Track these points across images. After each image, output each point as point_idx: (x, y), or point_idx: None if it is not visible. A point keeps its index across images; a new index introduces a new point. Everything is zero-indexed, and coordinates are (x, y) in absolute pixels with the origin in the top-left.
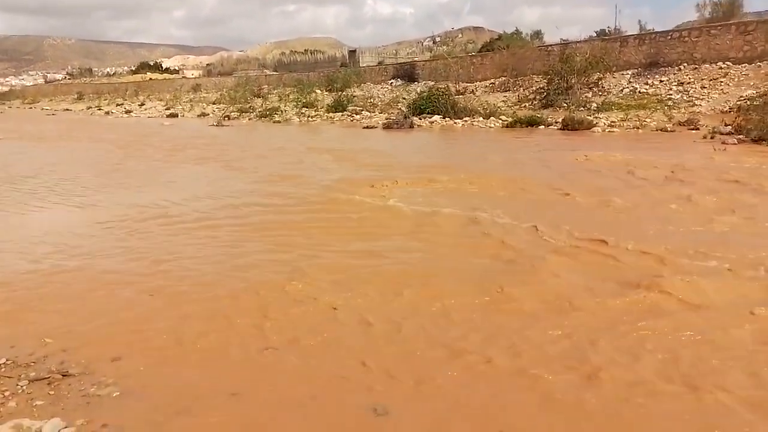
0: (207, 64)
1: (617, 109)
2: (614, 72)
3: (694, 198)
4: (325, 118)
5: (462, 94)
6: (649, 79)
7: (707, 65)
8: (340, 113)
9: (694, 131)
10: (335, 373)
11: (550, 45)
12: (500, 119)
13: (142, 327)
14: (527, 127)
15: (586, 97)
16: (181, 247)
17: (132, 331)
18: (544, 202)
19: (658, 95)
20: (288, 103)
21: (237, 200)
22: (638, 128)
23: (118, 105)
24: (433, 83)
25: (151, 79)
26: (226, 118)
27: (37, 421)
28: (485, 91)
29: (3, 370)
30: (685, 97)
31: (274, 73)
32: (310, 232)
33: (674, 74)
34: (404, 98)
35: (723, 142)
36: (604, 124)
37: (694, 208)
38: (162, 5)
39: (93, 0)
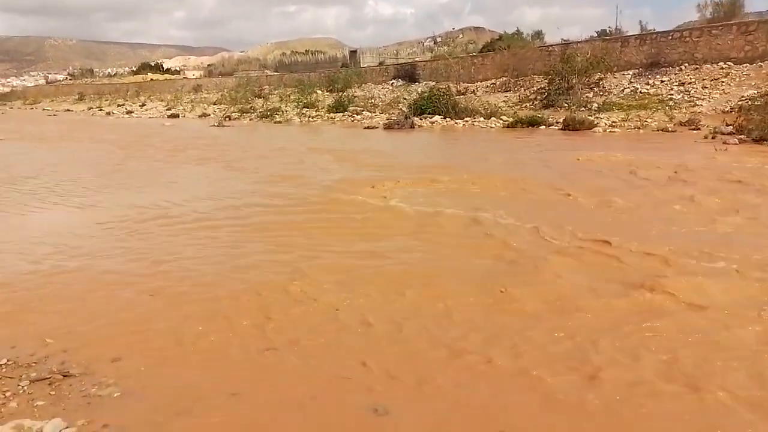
0: (208, 65)
1: (618, 110)
2: (615, 72)
3: (696, 198)
4: (325, 118)
5: (463, 94)
6: (650, 79)
7: (708, 65)
8: (341, 114)
9: (695, 131)
10: (336, 374)
11: (551, 45)
12: (501, 119)
13: (143, 327)
14: (528, 127)
15: (587, 97)
16: (182, 247)
17: (132, 331)
18: (546, 202)
19: (659, 95)
20: (289, 104)
21: (238, 201)
22: (639, 128)
23: (119, 105)
24: (433, 83)
25: (152, 79)
26: (227, 119)
27: (38, 422)
28: (486, 92)
29: (4, 370)
30: (686, 97)
31: (275, 73)
32: (311, 232)
33: (675, 74)
34: (405, 98)
35: (724, 142)
36: (605, 124)
37: (697, 209)
38: (161, 6)
39: (92, 1)
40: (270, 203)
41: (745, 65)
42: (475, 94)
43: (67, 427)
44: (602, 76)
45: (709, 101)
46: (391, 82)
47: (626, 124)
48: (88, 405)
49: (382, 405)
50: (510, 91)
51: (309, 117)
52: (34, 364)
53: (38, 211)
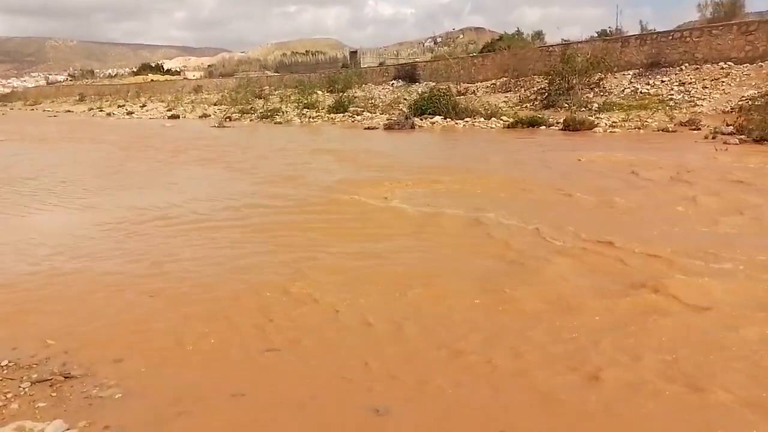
0: (208, 66)
1: (618, 110)
2: (615, 72)
3: (698, 199)
4: (326, 119)
5: (463, 94)
6: (650, 79)
7: (709, 65)
8: (342, 114)
9: (695, 131)
10: (336, 374)
11: (551, 45)
12: (501, 120)
13: (144, 328)
14: (528, 127)
15: (587, 97)
16: (182, 248)
17: (133, 332)
18: (547, 202)
19: (659, 95)
20: (289, 104)
21: (238, 201)
22: (639, 128)
23: (119, 106)
24: (434, 84)
25: (152, 80)
26: (228, 119)
27: (40, 423)
28: (486, 92)
29: (5, 372)
30: (686, 98)
31: (276, 74)
32: (312, 233)
33: (675, 74)
34: (405, 99)
35: (725, 143)
36: (606, 124)
37: (700, 209)
38: (161, 7)
39: (93, 1)
40: (270, 204)
41: (745, 65)
42: (475, 94)
43: (68, 429)
44: (602, 76)
45: (710, 101)
46: (391, 82)
47: (627, 125)
48: (89, 406)
49: (382, 405)
50: (510, 91)
51: (309, 117)
52: (35, 366)
53: (38, 213)
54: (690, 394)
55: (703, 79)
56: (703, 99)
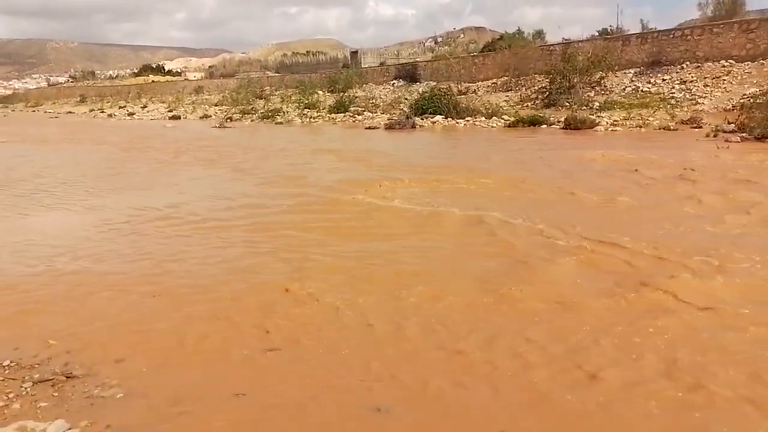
0: (209, 66)
1: (620, 108)
2: (616, 71)
3: (702, 197)
4: (327, 119)
5: (464, 94)
6: (651, 77)
7: (710, 63)
8: (342, 114)
9: (697, 129)
10: (337, 374)
11: (552, 44)
12: (502, 119)
13: (145, 328)
14: (530, 126)
15: (588, 96)
16: (183, 248)
17: (135, 332)
18: (549, 201)
19: (660, 94)
20: (290, 105)
21: (239, 202)
22: (641, 127)
23: (120, 107)
24: (435, 83)
25: (153, 81)
26: (229, 120)
27: (41, 423)
28: (487, 91)
29: (7, 372)
30: (687, 96)
31: (276, 74)
32: (313, 232)
33: (677, 73)
34: (406, 99)
35: (726, 140)
36: (607, 123)
37: (704, 208)
38: (162, 7)
39: (93, 2)
40: (271, 204)
41: (746, 63)
42: (476, 93)
43: (70, 429)
44: (603, 75)
45: (711, 99)
46: (392, 82)
47: (628, 123)
48: (91, 406)
49: (383, 405)
50: (511, 90)
51: (310, 118)
52: (37, 366)
53: (40, 214)
54: (691, 394)
55: (705, 78)
56: (705, 97)
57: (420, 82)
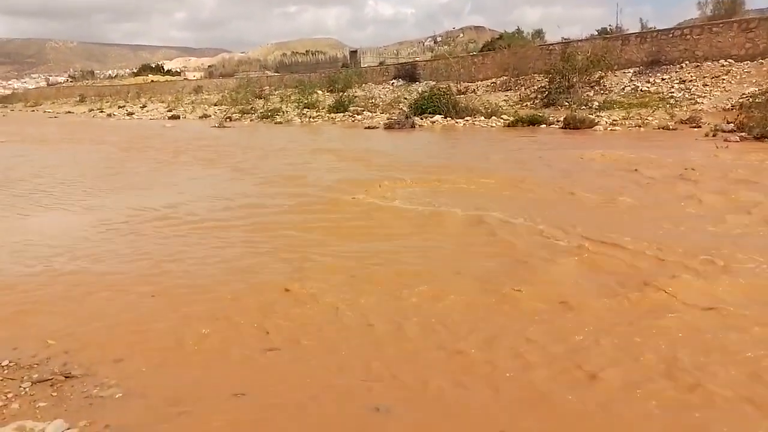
0: (208, 66)
1: (619, 108)
2: (616, 70)
3: (702, 197)
4: (326, 118)
5: (463, 93)
6: (650, 77)
7: (709, 63)
8: (342, 114)
9: (696, 129)
10: (336, 374)
11: (552, 44)
12: (502, 118)
13: (144, 328)
14: (529, 126)
15: (587, 95)
16: (183, 248)
17: (134, 332)
18: (549, 201)
19: (659, 93)
20: (289, 104)
21: (238, 202)
22: (640, 126)
23: (120, 107)
24: (434, 83)
25: (152, 81)
26: (228, 120)
27: (40, 423)
28: (486, 91)
29: (6, 372)
30: (686, 95)
31: (276, 74)
32: (312, 232)
33: (676, 72)
34: (405, 98)
35: (725, 140)
36: (606, 122)
37: (703, 207)
38: (162, 7)
39: (93, 2)
40: (271, 204)
41: (746, 63)
42: (475, 93)
43: (69, 428)
44: (603, 74)
45: (710, 99)
46: (391, 81)
47: (627, 123)
48: (90, 406)
49: (383, 405)
50: (510, 90)
51: (310, 117)
52: (35, 366)
53: (38, 214)
54: (691, 394)
55: (704, 77)
56: (704, 97)
57: (419, 82)
